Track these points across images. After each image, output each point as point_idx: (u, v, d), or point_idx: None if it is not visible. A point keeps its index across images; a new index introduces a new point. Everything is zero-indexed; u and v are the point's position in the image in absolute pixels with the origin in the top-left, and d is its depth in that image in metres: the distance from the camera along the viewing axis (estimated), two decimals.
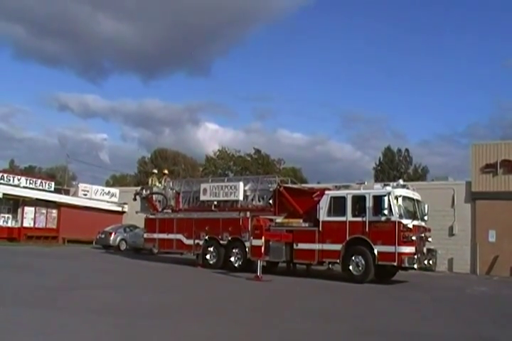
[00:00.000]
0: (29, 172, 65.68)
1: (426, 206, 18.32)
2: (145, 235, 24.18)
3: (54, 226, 36.68)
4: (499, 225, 24.36)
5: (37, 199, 35.18)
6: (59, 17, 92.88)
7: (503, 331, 9.29)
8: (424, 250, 17.25)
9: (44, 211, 36.41)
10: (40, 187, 36.48)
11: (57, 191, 38.75)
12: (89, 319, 8.52)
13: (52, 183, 38.71)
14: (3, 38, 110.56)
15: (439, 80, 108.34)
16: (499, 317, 11.09)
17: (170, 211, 23.38)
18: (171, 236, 22.43)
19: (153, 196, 24.17)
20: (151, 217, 24.05)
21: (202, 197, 21.89)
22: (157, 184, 24.70)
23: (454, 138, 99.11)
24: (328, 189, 19.14)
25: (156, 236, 23.18)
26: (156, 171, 26.88)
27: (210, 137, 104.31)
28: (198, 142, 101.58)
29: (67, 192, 40.86)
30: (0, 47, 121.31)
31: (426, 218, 18.12)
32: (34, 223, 35.73)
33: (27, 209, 35.51)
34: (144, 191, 24.73)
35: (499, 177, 25.15)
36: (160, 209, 23.73)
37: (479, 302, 14.27)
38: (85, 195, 38.85)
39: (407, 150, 61.35)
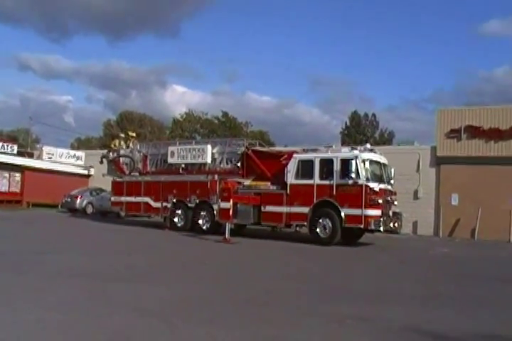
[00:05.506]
0: None
1: (392, 170, 18.56)
2: (112, 198, 24.05)
3: (17, 190, 35.93)
4: (462, 189, 24.92)
5: None
6: None
7: (462, 289, 9.60)
8: (390, 213, 17.53)
9: (7, 175, 35.51)
10: (2, 150, 35.56)
11: (20, 154, 37.90)
12: (57, 282, 8.44)
13: (15, 146, 37.72)
14: None
15: (406, 46, 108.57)
16: (459, 277, 11.41)
17: (137, 174, 23.23)
18: (138, 199, 22.34)
19: (120, 159, 23.93)
20: (118, 180, 23.87)
21: (169, 160, 21.73)
22: (124, 147, 24.37)
23: (420, 104, 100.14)
24: (296, 152, 19.16)
25: (123, 199, 23.07)
26: (123, 135, 26.41)
27: (178, 100, 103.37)
28: (165, 105, 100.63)
29: (30, 156, 39.96)
30: None
31: (392, 182, 18.40)
32: None
33: None
34: (110, 154, 24.45)
35: (463, 142, 25.58)
36: (127, 172, 23.55)
37: (442, 263, 14.66)
38: (50, 158, 38.09)
39: (373, 114, 61.70)
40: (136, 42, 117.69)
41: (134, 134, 26.01)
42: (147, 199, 22.02)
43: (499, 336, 6.06)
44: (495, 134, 24.87)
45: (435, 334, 5.94)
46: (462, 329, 6.32)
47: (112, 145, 25.17)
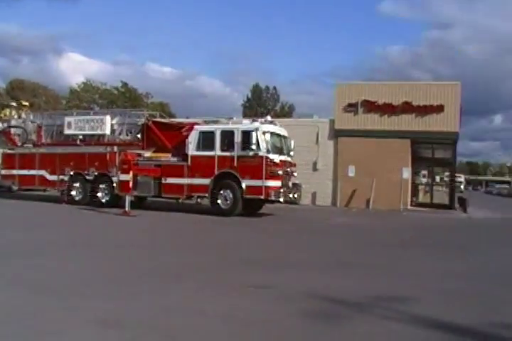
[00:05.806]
0: None
1: (292, 142, 18.94)
2: (2, 171, 22.81)
3: None
4: (358, 161, 25.89)
5: None
6: None
7: (358, 256, 10.06)
8: (290, 184, 17.97)
9: None
10: None
11: None
12: None
13: None
14: None
15: (306, 21, 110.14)
16: (358, 245, 11.99)
17: (31, 145, 22.13)
18: (32, 172, 21.41)
19: (11, 129, 22.67)
20: (9, 152, 22.70)
21: (66, 131, 20.88)
22: (15, 116, 23.08)
23: (320, 78, 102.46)
24: (198, 124, 19.05)
25: (15, 172, 22.02)
26: (14, 104, 24.94)
27: (75, 69, 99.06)
28: (61, 73, 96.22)
29: None
30: None
31: (292, 153, 18.80)
32: None
33: None
34: (0, 124, 23.08)
35: (359, 116, 26.48)
36: (19, 144, 22.38)
37: (340, 231, 15.28)
38: None
39: (274, 87, 62.72)
40: (29, 5, 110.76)
41: (26, 103, 24.72)
42: (42, 172, 21.14)
43: (395, 297, 6.40)
44: (388, 109, 25.95)
45: (335, 299, 6.16)
46: (361, 293, 6.59)
47: (2, 115, 23.78)
